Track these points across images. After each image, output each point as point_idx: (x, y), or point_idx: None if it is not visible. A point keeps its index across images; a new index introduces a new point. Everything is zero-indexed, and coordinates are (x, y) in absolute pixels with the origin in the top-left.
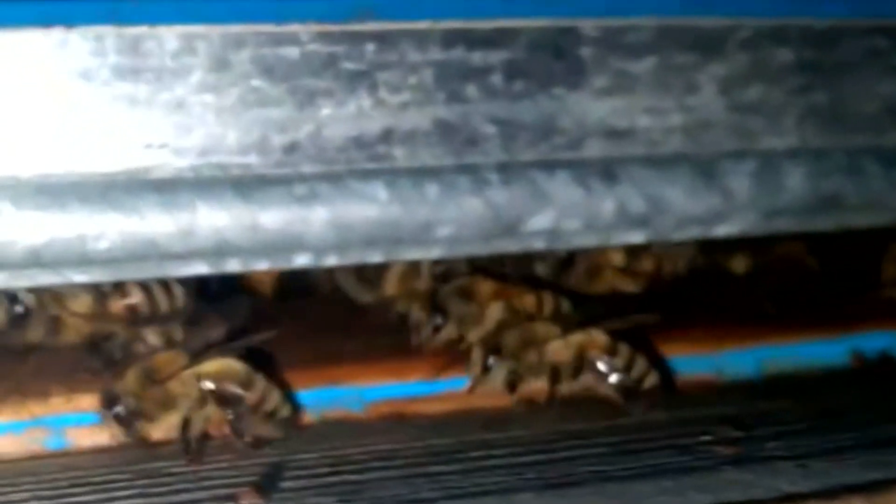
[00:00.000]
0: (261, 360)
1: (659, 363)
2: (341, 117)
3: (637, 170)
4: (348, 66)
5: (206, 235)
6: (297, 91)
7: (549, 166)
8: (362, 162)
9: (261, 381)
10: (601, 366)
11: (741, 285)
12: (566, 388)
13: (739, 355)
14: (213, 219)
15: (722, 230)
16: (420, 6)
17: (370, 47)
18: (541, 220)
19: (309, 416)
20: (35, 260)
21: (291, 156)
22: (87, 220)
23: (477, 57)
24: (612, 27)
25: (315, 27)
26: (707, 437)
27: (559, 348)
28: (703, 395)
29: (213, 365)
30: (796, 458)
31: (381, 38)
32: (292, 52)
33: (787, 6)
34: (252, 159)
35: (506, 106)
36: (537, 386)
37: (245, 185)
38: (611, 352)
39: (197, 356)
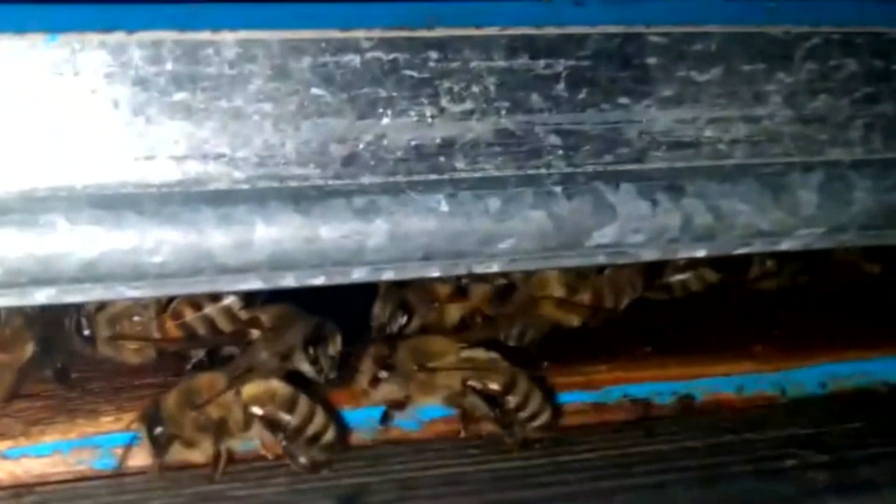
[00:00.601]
0: (310, 381)
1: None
2: (402, 127)
3: (703, 182)
4: (410, 73)
5: (262, 249)
6: (358, 100)
7: (614, 178)
8: (423, 173)
9: (305, 404)
10: (481, 394)
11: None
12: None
13: (801, 373)
14: (270, 232)
15: (787, 244)
16: (484, 13)
17: (432, 55)
18: (605, 234)
19: (363, 436)
20: (89, 274)
21: (350, 167)
22: (141, 234)
23: (541, 65)
24: (678, 35)
25: (377, 34)
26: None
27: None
28: (770, 416)
29: (255, 387)
30: None
31: (444, 46)
32: (353, 59)
33: (854, 15)
34: (310, 170)
35: (570, 116)
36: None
37: (303, 197)
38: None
39: (237, 378)
